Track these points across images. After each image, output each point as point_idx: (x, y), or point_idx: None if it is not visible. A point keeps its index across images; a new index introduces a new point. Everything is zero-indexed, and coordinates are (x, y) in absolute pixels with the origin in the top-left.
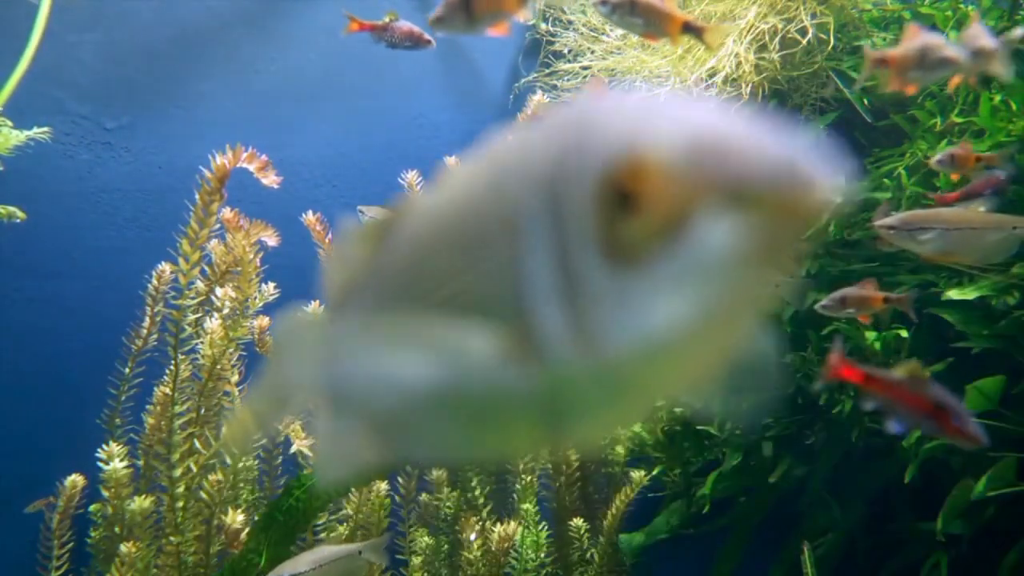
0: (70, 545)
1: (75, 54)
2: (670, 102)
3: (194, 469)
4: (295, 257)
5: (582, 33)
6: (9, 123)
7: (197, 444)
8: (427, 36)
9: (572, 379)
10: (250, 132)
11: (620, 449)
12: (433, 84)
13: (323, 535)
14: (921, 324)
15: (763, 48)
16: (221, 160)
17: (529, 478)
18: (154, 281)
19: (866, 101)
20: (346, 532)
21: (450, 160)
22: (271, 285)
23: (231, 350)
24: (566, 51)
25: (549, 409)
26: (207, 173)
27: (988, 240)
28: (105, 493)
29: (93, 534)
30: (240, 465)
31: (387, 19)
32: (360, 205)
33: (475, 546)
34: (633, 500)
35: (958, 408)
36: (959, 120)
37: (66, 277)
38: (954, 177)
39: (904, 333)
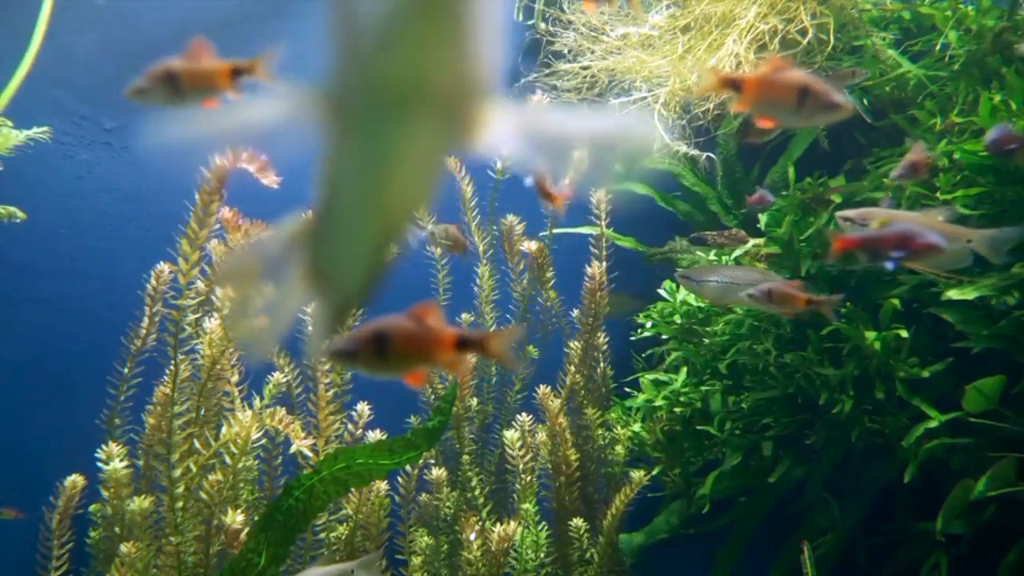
0: (70, 545)
1: (75, 54)
2: None
3: (194, 469)
4: None
5: (582, 33)
6: (9, 123)
7: (197, 444)
8: None
9: (353, 101)
10: None
11: (620, 449)
12: None
13: (323, 535)
14: (921, 324)
15: (763, 48)
16: (221, 160)
17: (529, 478)
18: (153, 281)
19: (866, 101)
20: (346, 532)
21: (450, 160)
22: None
23: (230, 350)
24: (566, 51)
25: (363, 151)
26: (207, 173)
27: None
28: (105, 493)
29: (93, 534)
30: (240, 465)
31: None
32: None
33: (475, 546)
34: (633, 500)
35: None
36: (959, 120)
37: (66, 277)
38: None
39: (904, 333)
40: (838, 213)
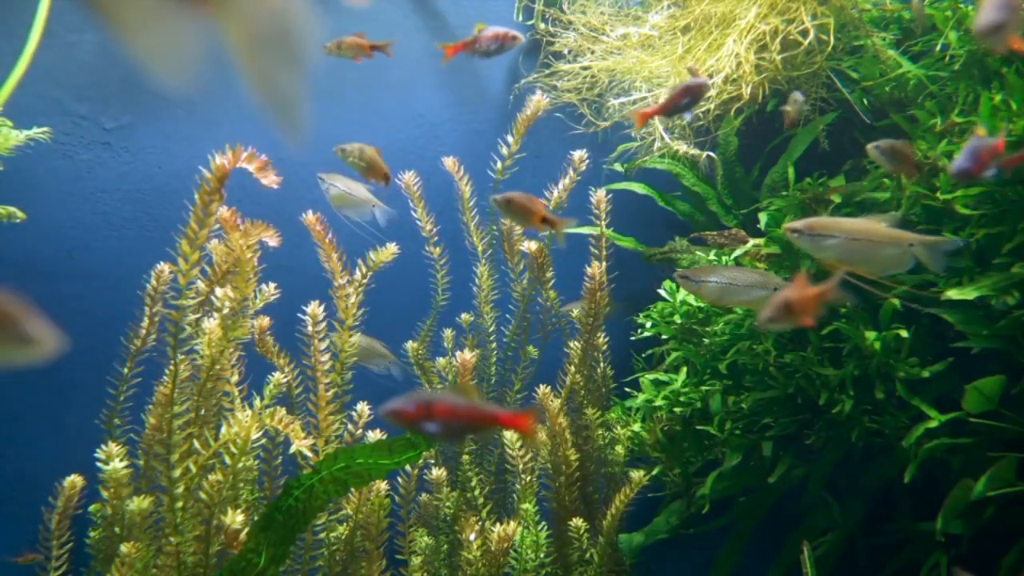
0: (70, 545)
1: (75, 54)
2: None
3: (193, 469)
4: (295, 257)
5: (582, 33)
6: (9, 123)
7: (196, 444)
8: (512, 33)
9: None
10: (249, 132)
11: (620, 449)
12: (433, 84)
13: (323, 535)
14: (921, 324)
15: (763, 48)
16: (220, 160)
17: (529, 478)
18: (153, 281)
19: (866, 101)
20: (346, 532)
21: (449, 160)
22: (272, 285)
23: (230, 350)
24: (566, 51)
25: None
26: (206, 173)
27: (884, 254)
28: (105, 493)
29: (93, 534)
30: (240, 465)
31: (476, 31)
32: (320, 172)
33: (475, 546)
34: (633, 500)
35: None
36: (959, 120)
37: (66, 277)
38: (892, 170)
39: (904, 333)
40: (786, 226)
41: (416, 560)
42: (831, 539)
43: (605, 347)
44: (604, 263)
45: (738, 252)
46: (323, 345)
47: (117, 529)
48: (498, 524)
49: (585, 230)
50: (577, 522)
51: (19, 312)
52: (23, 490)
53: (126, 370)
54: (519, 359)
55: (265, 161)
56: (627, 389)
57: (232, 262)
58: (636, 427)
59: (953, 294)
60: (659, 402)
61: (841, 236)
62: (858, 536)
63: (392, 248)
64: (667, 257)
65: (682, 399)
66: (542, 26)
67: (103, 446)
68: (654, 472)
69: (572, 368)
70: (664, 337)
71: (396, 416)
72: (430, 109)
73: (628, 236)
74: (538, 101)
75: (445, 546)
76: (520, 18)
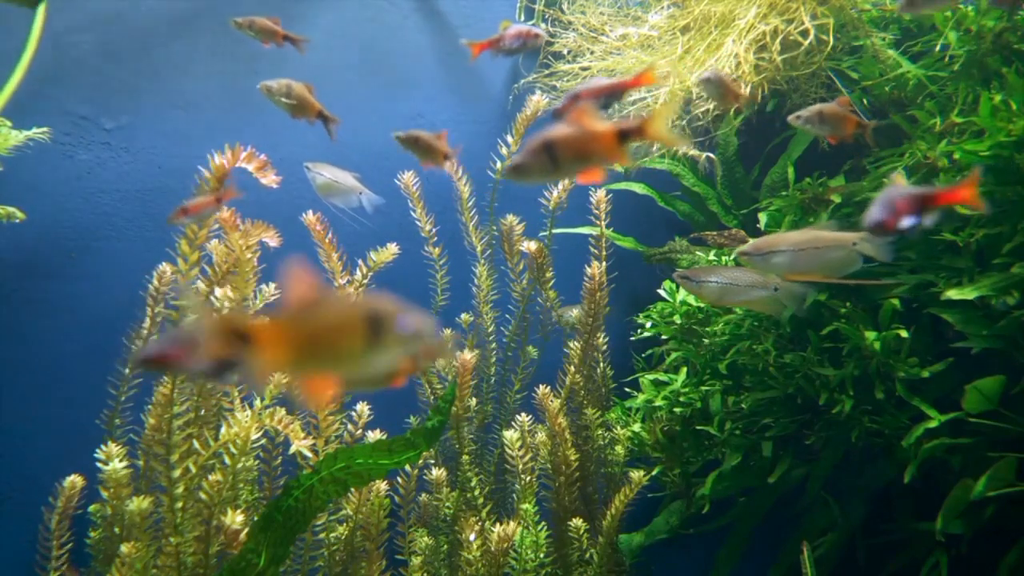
0: (70, 545)
1: (75, 54)
2: None
3: (193, 469)
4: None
5: (581, 34)
6: (9, 123)
7: (196, 444)
8: (535, 31)
9: None
10: (249, 132)
11: (620, 449)
12: (433, 84)
13: (323, 535)
14: (921, 324)
15: (763, 49)
16: (220, 160)
17: (529, 478)
18: (155, 282)
19: (866, 101)
20: (345, 532)
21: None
22: (272, 285)
23: None
24: (566, 52)
25: None
26: (206, 173)
27: (832, 256)
28: (104, 493)
29: (93, 534)
30: (239, 465)
31: (500, 30)
32: (307, 162)
33: (475, 546)
34: (633, 500)
35: None
36: (959, 120)
37: (66, 277)
38: (832, 140)
39: (904, 333)
40: (737, 252)
41: (416, 560)
42: (831, 539)
43: (605, 347)
44: (604, 263)
45: None
46: None
47: (117, 529)
48: (498, 524)
49: (585, 230)
50: (577, 522)
51: (397, 309)
52: (23, 490)
53: (127, 370)
54: (519, 359)
55: (264, 161)
56: (627, 389)
57: (232, 262)
58: (636, 427)
59: (953, 294)
60: (659, 402)
61: (788, 249)
62: (858, 536)
63: (392, 248)
64: (667, 257)
65: (682, 399)
66: (542, 26)
67: (103, 446)
68: (654, 472)
69: (572, 368)
70: (664, 337)
71: (152, 363)
72: (430, 109)
73: (628, 236)
74: (538, 101)
75: (445, 546)
76: (521, 18)
